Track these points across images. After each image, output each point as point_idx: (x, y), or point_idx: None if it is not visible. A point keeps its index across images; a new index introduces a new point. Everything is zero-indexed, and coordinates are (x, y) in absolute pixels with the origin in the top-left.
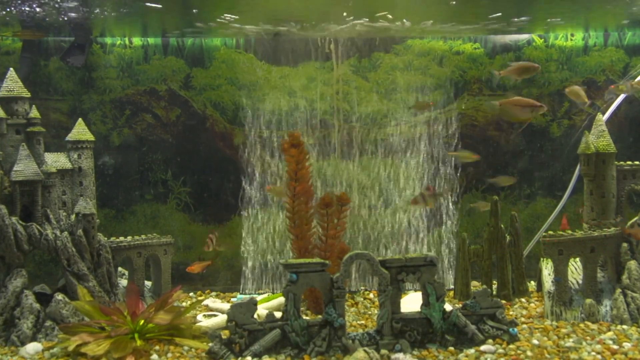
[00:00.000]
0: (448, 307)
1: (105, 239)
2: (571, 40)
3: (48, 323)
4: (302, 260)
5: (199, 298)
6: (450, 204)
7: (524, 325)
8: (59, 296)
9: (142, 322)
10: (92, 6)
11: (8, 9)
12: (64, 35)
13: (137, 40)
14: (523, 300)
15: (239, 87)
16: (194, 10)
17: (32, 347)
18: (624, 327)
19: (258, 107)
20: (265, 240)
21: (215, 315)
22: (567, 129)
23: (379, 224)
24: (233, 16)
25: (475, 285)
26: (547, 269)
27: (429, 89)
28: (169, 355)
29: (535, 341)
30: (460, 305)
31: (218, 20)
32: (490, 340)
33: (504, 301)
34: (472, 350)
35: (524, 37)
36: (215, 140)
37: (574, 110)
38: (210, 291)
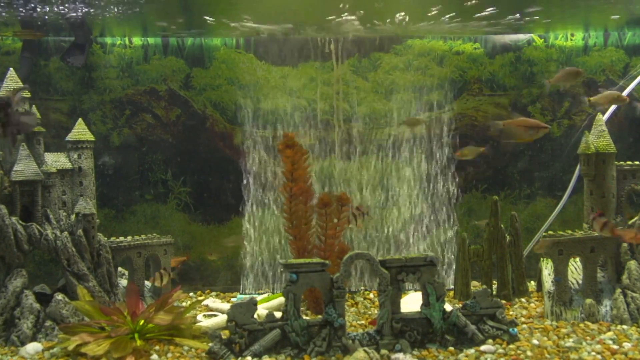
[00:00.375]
0: (448, 307)
1: (105, 239)
2: (571, 40)
3: (48, 323)
4: (302, 260)
5: (199, 298)
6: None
7: (524, 325)
8: (59, 296)
9: (142, 322)
10: (93, 6)
11: (8, 9)
12: (64, 35)
13: (137, 40)
14: (523, 300)
15: (239, 87)
16: (209, 19)
17: (32, 347)
18: (624, 327)
19: (258, 107)
20: (266, 240)
21: (215, 315)
22: (567, 129)
23: (379, 224)
24: (247, 17)
25: (475, 285)
26: (547, 269)
27: (429, 89)
28: (169, 355)
29: (535, 341)
30: (460, 305)
31: (224, 21)
32: (490, 340)
33: (504, 301)
34: (472, 350)
35: (524, 37)
36: (215, 140)
37: (574, 110)
38: (210, 291)
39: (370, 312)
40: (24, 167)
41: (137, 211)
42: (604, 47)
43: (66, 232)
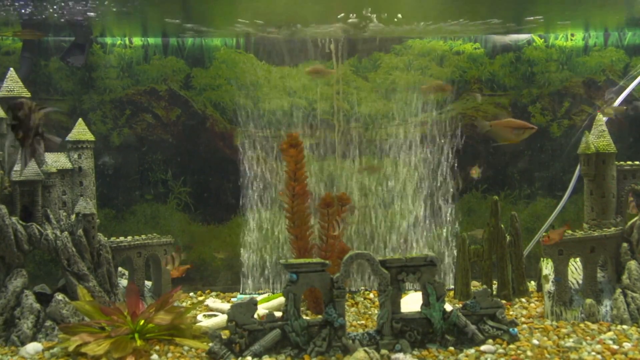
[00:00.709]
0: (448, 307)
1: (106, 239)
2: (571, 40)
3: (48, 323)
4: (302, 260)
5: (199, 298)
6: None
7: (524, 325)
8: (59, 296)
9: (142, 322)
10: (93, 6)
11: (7, 9)
12: (64, 35)
13: (137, 40)
14: (523, 300)
15: (239, 87)
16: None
17: (32, 347)
18: (624, 327)
19: (258, 107)
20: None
21: (215, 315)
22: (567, 129)
23: (379, 224)
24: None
25: (475, 285)
26: (547, 269)
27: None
28: (169, 355)
29: (535, 341)
30: (460, 305)
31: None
32: (490, 340)
33: (504, 301)
34: (472, 350)
35: (524, 37)
36: (215, 140)
37: (574, 110)
38: (210, 291)
39: (370, 312)
40: (24, 167)
41: (137, 211)
42: (604, 47)
43: (66, 232)
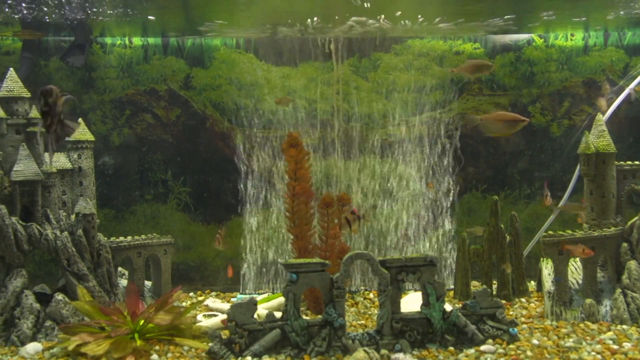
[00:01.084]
0: (448, 307)
1: (105, 239)
2: (571, 40)
3: (48, 323)
4: (302, 260)
5: (199, 298)
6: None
7: (524, 325)
8: (59, 296)
9: (142, 322)
10: (93, 6)
11: (8, 9)
12: (64, 35)
13: (137, 40)
14: (523, 300)
15: (239, 87)
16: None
17: (32, 347)
18: (624, 327)
19: (258, 107)
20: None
21: (215, 315)
22: (567, 129)
23: (379, 224)
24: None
25: (475, 285)
26: (547, 269)
27: (429, 89)
28: (169, 355)
29: (535, 341)
30: (460, 305)
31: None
32: (490, 340)
33: (504, 301)
34: (472, 350)
35: (524, 37)
36: (215, 140)
37: (574, 110)
38: (210, 291)
39: (370, 312)
40: (24, 167)
41: (137, 211)
42: (604, 47)
43: (66, 232)
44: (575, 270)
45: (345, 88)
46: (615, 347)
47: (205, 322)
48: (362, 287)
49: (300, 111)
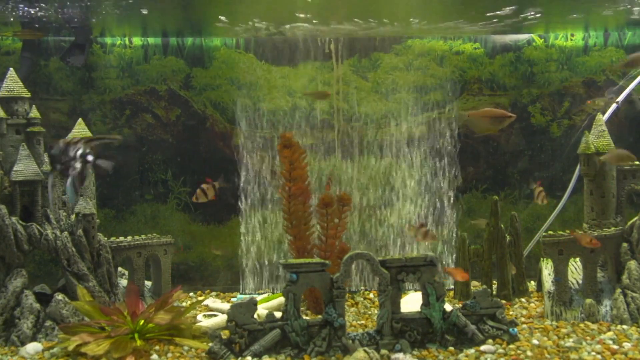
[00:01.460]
0: (448, 307)
1: (105, 239)
2: (571, 40)
3: (48, 323)
4: (302, 261)
5: (199, 298)
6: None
7: (524, 325)
8: (59, 296)
9: (142, 322)
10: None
11: (8, 9)
12: (64, 35)
13: (137, 40)
14: (523, 300)
15: (239, 87)
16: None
17: (32, 347)
18: (624, 327)
19: (258, 107)
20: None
21: (215, 315)
22: (567, 129)
23: (379, 224)
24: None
25: (475, 285)
26: (547, 269)
27: (429, 89)
28: (169, 355)
29: (535, 341)
30: (460, 305)
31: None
32: (490, 340)
33: (504, 301)
34: (472, 350)
35: (524, 37)
36: (215, 140)
37: (574, 110)
38: (210, 291)
39: (370, 312)
40: (24, 167)
41: (137, 211)
42: (604, 47)
43: (66, 232)
44: (575, 270)
45: (345, 88)
46: (615, 347)
47: (205, 322)
48: (362, 287)
49: (300, 111)
